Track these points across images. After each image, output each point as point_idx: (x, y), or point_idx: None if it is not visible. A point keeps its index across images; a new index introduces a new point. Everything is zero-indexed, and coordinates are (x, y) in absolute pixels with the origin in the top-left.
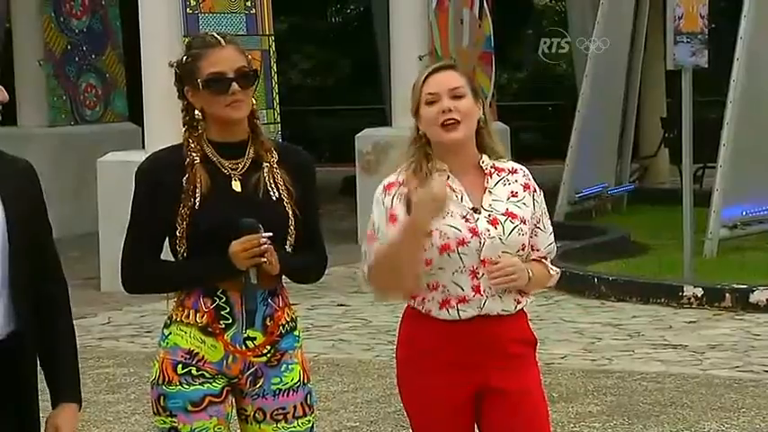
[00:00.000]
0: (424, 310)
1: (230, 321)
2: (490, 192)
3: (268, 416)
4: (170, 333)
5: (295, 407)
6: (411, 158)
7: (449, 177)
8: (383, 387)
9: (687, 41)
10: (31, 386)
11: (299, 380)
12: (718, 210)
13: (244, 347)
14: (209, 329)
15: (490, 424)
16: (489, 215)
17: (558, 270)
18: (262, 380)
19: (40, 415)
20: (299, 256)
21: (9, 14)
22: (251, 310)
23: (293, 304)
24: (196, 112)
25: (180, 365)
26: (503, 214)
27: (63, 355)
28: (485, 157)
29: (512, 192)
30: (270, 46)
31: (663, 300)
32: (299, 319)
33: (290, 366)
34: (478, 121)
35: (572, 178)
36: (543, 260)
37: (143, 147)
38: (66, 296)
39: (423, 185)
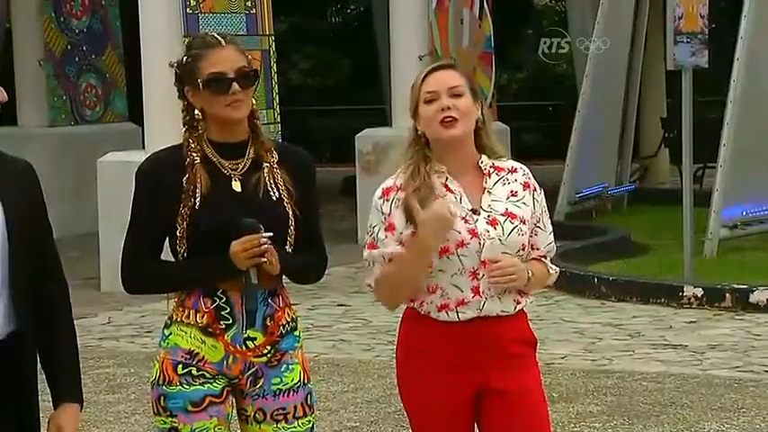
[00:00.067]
0: (423, 312)
1: (230, 321)
2: (489, 192)
3: (268, 416)
4: (170, 333)
5: (295, 407)
6: (409, 161)
7: (447, 179)
8: (383, 387)
9: (687, 41)
10: (30, 386)
11: (300, 380)
12: (718, 210)
13: (244, 348)
14: (210, 330)
15: (490, 424)
16: (488, 216)
17: (558, 269)
18: (262, 380)
19: (41, 415)
20: (299, 256)
21: (9, 14)
22: (251, 310)
23: (293, 304)
24: (196, 112)
25: (180, 366)
26: (502, 214)
27: (64, 355)
28: (484, 156)
29: (511, 191)
30: (270, 46)
31: (663, 300)
32: (299, 319)
33: (290, 366)
34: (477, 122)
35: (572, 178)
36: (543, 259)
37: (143, 147)
38: (67, 296)
39: (420, 189)
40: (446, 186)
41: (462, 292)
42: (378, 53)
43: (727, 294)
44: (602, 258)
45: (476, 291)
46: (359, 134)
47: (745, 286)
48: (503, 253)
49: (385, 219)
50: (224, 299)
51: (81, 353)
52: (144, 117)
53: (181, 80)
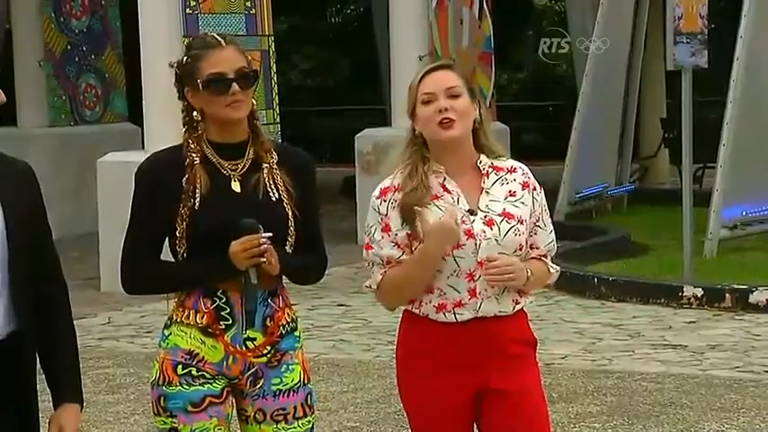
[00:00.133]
0: (421, 314)
1: (230, 322)
2: (487, 192)
3: (268, 416)
4: (170, 333)
5: (295, 407)
6: (407, 161)
7: (445, 179)
8: (383, 387)
9: (687, 42)
10: (30, 386)
11: (300, 380)
12: (718, 210)
13: (244, 348)
14: (210, 330)
15: (490, 424)
16: (485, 216)
17: (558, 268)
18: (262, 380)
19: (40, 415)
20: (299, 256)
21: (9, 15)
22: (250, 311)
23: (293, 305)
24: (195, 112)
25: (180, 366)
26: (499, 215)
27: (64, 355)
28: (482, 156)
29: (509, 191)
30: (269, 46)
31: (663, 300)
32: (299, 319)
33: (290, 367)
34: (474, 121)
35: (572, 178)
36: (543, 258)
37: (143, 147)
38: (67, 297)
39: (417, 189)
40: (443, 186)
41: (459, 293)
42: (377, 53)
43: (727, 294)
44: (601, 258)
45: (473, 292)
46: (359, 134)
47: (745, 286)
48: (500, 253)
49: (382, 219)
50: (224, 299)
51: (80, 353)
52: (143, 117)
53: (181, 80)
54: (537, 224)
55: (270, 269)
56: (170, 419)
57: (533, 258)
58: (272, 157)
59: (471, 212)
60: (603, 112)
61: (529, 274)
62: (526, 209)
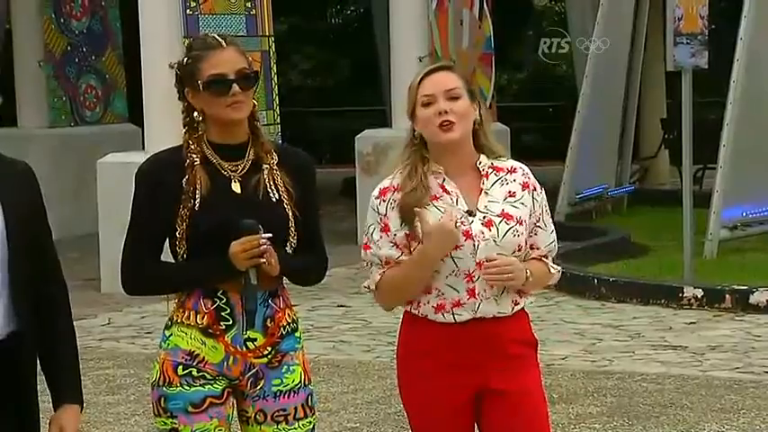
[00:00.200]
0: (420, 314)
1: (231, 322)
2: (486, 193)
3: (269, 417)
4: (171, 334)
5: (296, 408)
6: (406, 161)
7: (444, 179)
8: (383, 388)
9: (687, 42)
10: (30, 387)
11: (300, 381)
12: (718, 211)
13: (244, 348)
14: (210, 331)
15: (490, 425)
16: (484, 217)
17: (559, 268)
18: (262, 381)
19: (41, 416)
20: (299, 257)
21: (9, 15)
22: (251, 311)
23: (294, 305)
24: (195, 113)
25: (180, 367)
26: (498, 215)
27: (63, 356)
28: (482, 157)
29: (509, 192)
30: (270, 47)
31: (663, 301)
32: (299, 320)
33: (290, 368)
34: (474, 122)
35: (572, 179)
36: (543, 259)
37: (143, 148)
38: (66, 298)
39: (416, 190)
40: (443, 187)
41: (458, 293)
42: (378, 54)
43: (727, 295)
44: (602, 259)
45: (471, 292)
46: (359, 135)
47: (745, 287)
48: (498, 254)
49: (381, 219)
50: (224, 300)
51: (81, 354)
52: (144, 118)
53: (181, 81)
54: (537, 224)
55: (270, 270)
56: (170, 420)
57: (533, 259)
58: (273, 158)
59: (470, 213)
60: (603, 112)
61: (528, 274)
62: (526, 209)
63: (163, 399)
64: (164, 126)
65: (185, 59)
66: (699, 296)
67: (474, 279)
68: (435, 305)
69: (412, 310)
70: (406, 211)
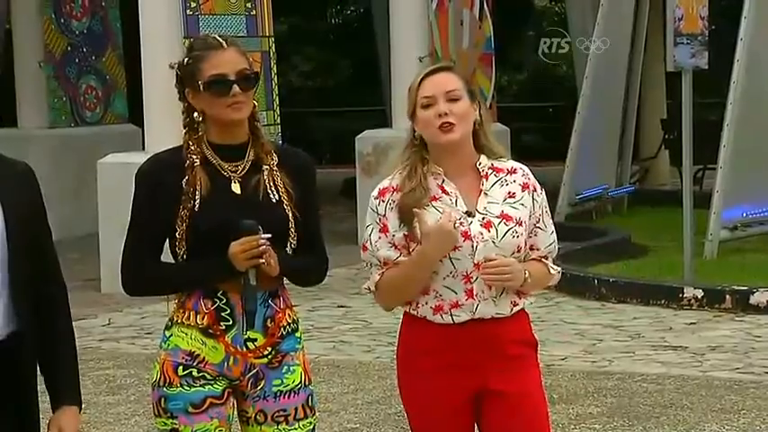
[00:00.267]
0: (419, 315)
1: (231, 323)
2: (486, 194)
3: (269, 418)
4: (171, 335)
5: (296, 409)
6: (406, 162)
7: (443, 180)
8: (384, 388)
9: (687, 43)
10: (30, 387)
11: (301, 382)
12: (718, 211)
13: (244, 349)
14: (210, 331)
15: (489, 425)
16: (483, 218)
17: (560, 269)
18: (263, 382)
19: (41, 416)
20: (299, 257)
21: (9, 15)
22: (250, 312)
23: (294, 306)
24: (196, 114)
25: (181, 367)
26: (497, 216)
27: (63, 356)
28: (482, 157)
29: (509, 192)
30: (270, 47)
31: (663, 301)
32: (300, 320)
33: (291, 368)
34: (474, 123)
35: (572, 180)
36: (543, 260)
37: (143, 148)
38: (66, 299)
39: (415, 190)
40: (442, 188)
41: (456, 294)
42: (378, 54)
43: (728, 296)
44: (602, 260)
45: (469, 293)
46: (359, 135)
47: (746, 288)
48: (497, 255)
49: (380, 220)
50: (224, 300)
51: (81, 354)
52: (144, 118)
53: (182, 81)
54: (537, 225)
55: (269, 270)
56: (171, 421)
57: (533, 260)
58: (273, 159)
59: (469, 214)
60: (604, 113)
61: (527, 275)
62: (525, 210)
63: (163, 399)
64: (164, 126)
65: (186, 60)
66: (699, 297)
67: (472, 280)
68: (434, 306)
69: (411, 311)
70: (405, 212)
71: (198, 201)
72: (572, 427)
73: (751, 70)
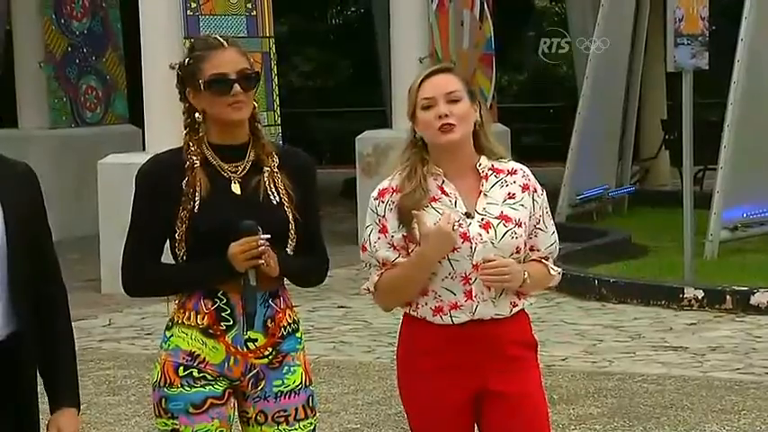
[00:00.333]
0: (418, 316)
1: (231, 323)
2: (485, 195)
3: (269, 418)
4: (171, 335)
5: (296, 409)
6: (406, 162)
7: (443, 181)
8: (384, 389)
9: (687, 43)
10: (30, 387)
11: (301, 382)
12: (718, 212)
13: (245, 349)
14: (211, 331)
15: (489, 426)
16: (482, 219)
17: (560, 270)
18: (263, 382)
19: (40, 417)
20: (299, 258)
21: (9, 16)
22: (250, 312)
23: (294, 306)
24: (197, 114)
25: (181, 367)
26: (496, 218)
27: (62, 357)
28: (482, 158)
29: (509, 194)
30: (270, 48)
31: (663, 302)
32: (300, 321)
33: (291, 368)
34: (474, 124)
35: (573, 180)
36: (544, 261)
37: (144, 149)
38: (66, 299)
39: (415, 191)
40: (441, 189)
41: (455, 295)
42: (378, 55)
43: (728, 296)
44: (602, 260)
45: (468, 294)
46: (359, 136)
47: (746, 288)
48: (495, 256)
49: (379, 220)
50: (224, 300)
51: (81, 355)
52: (144, 119)
53: (182, 82)
54: (537, 226)
55: (269, 271)
56: (171, 421)
57: (534, 260)
58: (274, 160)
59: (468, 215)
60: (604, 113)
61: (526, 276)
62: (525, 211)
63: (164, 399)
64: (164, 127)
65: (187, 59)
66: (699, 297)
67: (471, 281)
68: (433, 307)
69: (411, 312)
70: (404, 213)
71: (198, 202)
72: (572, 427)
73: (751, 70)
